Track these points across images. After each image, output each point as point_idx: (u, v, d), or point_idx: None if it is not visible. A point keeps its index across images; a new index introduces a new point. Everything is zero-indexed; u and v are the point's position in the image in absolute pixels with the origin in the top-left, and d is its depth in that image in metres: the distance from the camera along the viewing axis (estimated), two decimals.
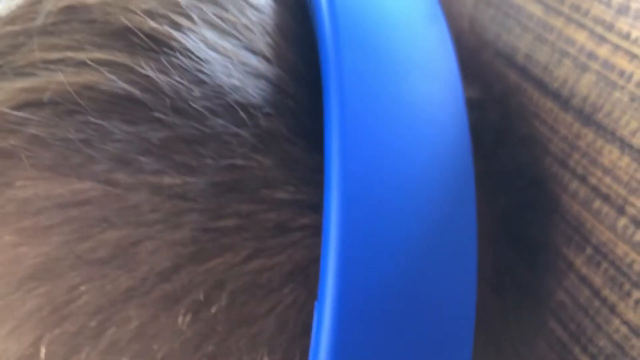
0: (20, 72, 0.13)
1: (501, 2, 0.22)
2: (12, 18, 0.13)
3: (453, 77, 0.14)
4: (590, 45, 0.19)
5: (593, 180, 0.19)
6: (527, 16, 0.21)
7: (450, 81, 0.14)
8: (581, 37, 0.20)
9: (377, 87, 0.13)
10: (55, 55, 0.13)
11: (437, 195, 0.13)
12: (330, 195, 0.12)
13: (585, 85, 0.19)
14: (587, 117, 0.19)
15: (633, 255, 0.18)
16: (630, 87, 0.18)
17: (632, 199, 0.18)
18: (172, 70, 0.13)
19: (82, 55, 0.13)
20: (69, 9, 0.13)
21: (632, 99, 0.18)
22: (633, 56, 0.18)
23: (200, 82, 0.13)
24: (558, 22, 0.20)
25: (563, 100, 0.20)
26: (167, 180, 0.13)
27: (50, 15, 0.13)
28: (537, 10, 0.21)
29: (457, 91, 0.14)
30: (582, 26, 0.19)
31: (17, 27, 0.13)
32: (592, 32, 0.19)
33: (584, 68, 0.19)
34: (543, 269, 0.21)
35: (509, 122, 0.20)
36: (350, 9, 0.14)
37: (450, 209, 0.13)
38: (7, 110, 0.13)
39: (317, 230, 0.14)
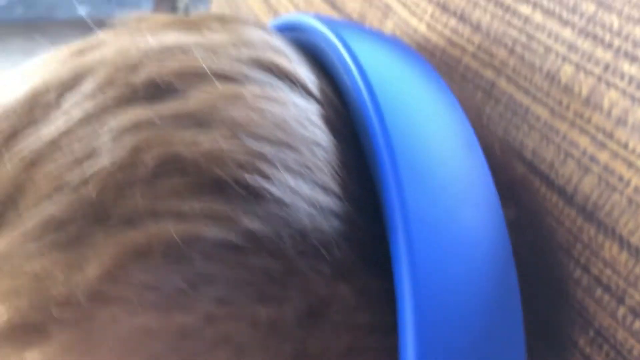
0: (127, 222, 0.14)
1: (509, 101, 0.24)
2: (114, 170, 0.15)
3: (494, 203, 0.17)
4: (592, 149, 0.22)
5: (595, 271, 0.22)
6: (534, 118, 0.23)
7: (493, 206, 0.17)
8: (584, 141, 0.22)
9: (434, 217, 0.16)
10: (158, 205, 0.15)
11: (492, 312, 0.15)
12: (404, 321, 0.14)
13: (587, 185, 0.22)
14: (589, 214, 0.22)
15: (632, 341, 0.20)
16: (629, 191, 0.20)
17: (631, 290, 0.20)
18: (264, 217, 0.15)
19: (183, 205, 0.15)
20: (167, 162, 0.15)
21: (630, 203, 0.20)
22: (630, 164, 0.20)
23: (288, 226, 0.15)
24: (563, 126, 0.22)
25: (568, 197, 0.22)
26: (259, 312, 0.15)
27: (149, 167, 0.15)
28: (543, 113, 0.23)
29: (499, 216, 0.17)
30: (584, 132, 0.22)
31: (119, 179, 0.15)
32: (593, 138, 0.22)
33: (587, 170, 0.22)
34: (551, 347, 0.23)
35: (537, 233, 0.23)
36: (404, 144, 0.16)
37: (501, 317, 0.16)
38: (118, 261, 0.14)
39: (392, 350, 0.16)
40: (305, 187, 0.16)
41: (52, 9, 2.00)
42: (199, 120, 0.16)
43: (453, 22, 0.26)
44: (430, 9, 0.27)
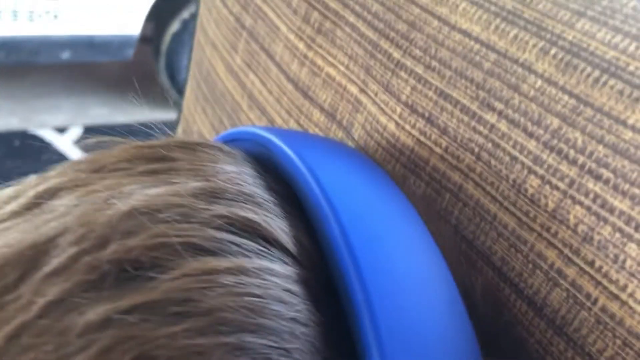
0: None
1: (477, 206, 0.24)
2: None
3: None
4: (559, 263, 0.21)
5: None
6: (502, 225, 0.23)
7: None
8: (552, 254, 0.22)
9: None
10: None
11: None
12: None
13: (556, 298, 0.22)
14: (558, 328, 0.21)
15: None
16: (596, 310, 0.20)
17: None
18: None
19: None
20: None
21: (598, 322, 0.20)
22: (597, 283, 0.20)
23: None
24: (531, 237, 0.22)
25: (537, 308, 0.22)
26: None
27: None
28: (511, 221, 0.23)
29: None
30: (552, 245, 0.22)
31: None
32: (560, 253, 0.21)
33: (555, 283, 0.22)
34: None
35: (508, 341, 0.23)
36: (388, 310, 0.16)
37: None
38: None
39: None
40: None
41: (34, 54, 2.00)
42: (172, 311, 0.15)
43: (421, 123, 0.26)
44: (398, 109, 0.27)
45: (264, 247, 0.17)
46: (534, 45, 0.23)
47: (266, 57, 0.36)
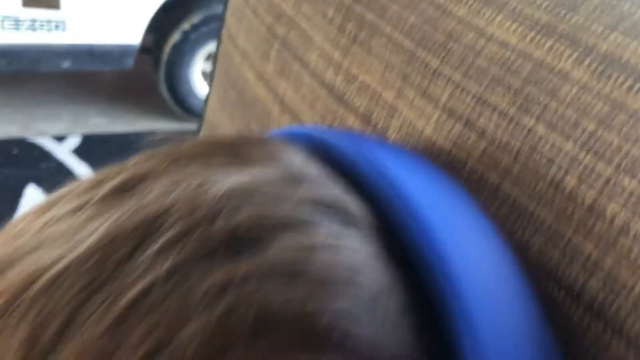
0: None
1: (514, 204, 0.26)
2: (210, 336, 0.15)
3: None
4: (596, 254, 0.23)
5: None
6: (539, 221, 0.25)
7: None
8: (589, 247, 0.24)
9: None
10: None
11: None
12: None
13: (594, 287, 0.23)
14: (596, 313, 0.23)
15: None
16: (634, 295, 0.22)
17: None
18: None
19: None
20: (262, 322, 0.15)
21: (636, 306, 0.22)
22: (634, 270, 0.22)
23: None
24: (568, 231, 0.24)
25: (575, 295, 0.24)
26: None
27: (245, 329, 0.15)
28: (548, 217, 0.25)
29: None
30: (588, 238, 0.24)
31: (216, 345, 0.15)
32: (597, 245, 0.23)
33: (592, 272, 0.23)
34: None
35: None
36: (478, 303, 0.18)
37: None
38: None
39: None
40: (385, 340, 0.17)
41: (35, 62, 2.02)
42: (283, 275, 0.16)
43: (458, 127, 0.28)
44: (436, 114, 0.29)
45: (351, 221, 0.19)
46: (569, 56, 0.25)
47: (299, 65, 0.38)
